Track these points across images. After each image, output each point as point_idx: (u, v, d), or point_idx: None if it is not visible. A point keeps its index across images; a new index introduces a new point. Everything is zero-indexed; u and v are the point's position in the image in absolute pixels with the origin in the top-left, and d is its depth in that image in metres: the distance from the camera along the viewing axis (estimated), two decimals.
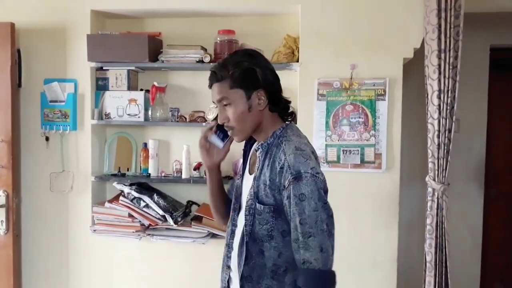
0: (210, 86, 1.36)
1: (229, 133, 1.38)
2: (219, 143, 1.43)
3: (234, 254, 1.37)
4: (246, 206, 1.33)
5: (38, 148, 2.64)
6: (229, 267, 1.39)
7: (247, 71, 1.30)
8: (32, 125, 2.64)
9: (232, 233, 1.40)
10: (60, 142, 2.61)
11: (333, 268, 1.26)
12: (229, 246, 1.40)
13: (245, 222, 1.32)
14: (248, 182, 1.38)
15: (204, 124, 2.50)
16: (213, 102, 1.38)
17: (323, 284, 1.24)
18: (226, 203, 1.55)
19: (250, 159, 1.45)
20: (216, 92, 1.34)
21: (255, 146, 1.40)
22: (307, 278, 1.23)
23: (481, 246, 3.22)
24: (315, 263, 1.21)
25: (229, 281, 1.39)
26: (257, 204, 1.30)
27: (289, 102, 1.41)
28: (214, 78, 1.34)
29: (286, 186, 1.23)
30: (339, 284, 2.53)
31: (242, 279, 1.31)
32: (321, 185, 1.24)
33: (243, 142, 1.47)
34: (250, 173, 1.40)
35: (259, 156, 1.35)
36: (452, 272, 2.29)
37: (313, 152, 1.33)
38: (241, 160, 1.49)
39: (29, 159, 2.66)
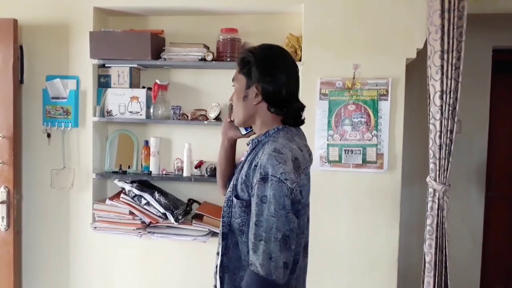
0: None
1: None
2: (241, 129, 1.48)
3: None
4: (225, 198, 1.36)
5: (40, 144, 2.64)
6: (218, 254, 1.41)
7: (245, 62, 1.35)
8: (33, 122, 2.64)
9: (223, 222, 1.42)
10: (62, 139, 2.61)
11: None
12: (219, 241, 1.43)
13: (223, 213, 1.35)
14: None
15: (205, 122, 2.51)
16: None
17: None
18: (230, 176, 1.55)
19: None
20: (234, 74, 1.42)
21: (247, 141, 1.43)
22: (248, 280, 1.20)
23: (482, 247, 3.22)
24: (260, 269, 1.17)
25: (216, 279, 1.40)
26: (233, 198, 1.32)
27: (301, 109, 1.38)
28: (236, 61, 1.43)
29: (254, 185, 1.24)
30: (339, 283, 2.54)
31: (222, 268, 1.34)
32: (287, 192, 1.19)
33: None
34: None
35: (247, 151, 1.39)
36: (452, 273, 2.29)
37: (297, 158, 1.26)
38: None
39: (31, 155, 2.66)
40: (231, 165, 1.58)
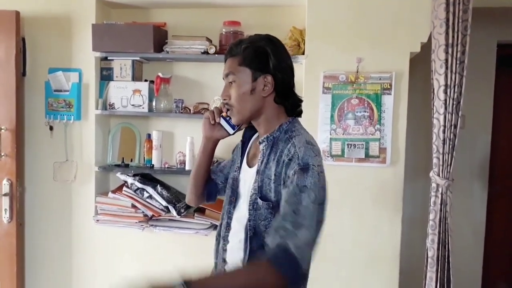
0: (225, 61, 1.34)
1: (228, 112, 1.35)
2: (229, 128, 1.40)
3: (231, 247, 1.35)
4: (250, 201, 1.30)
5: (42, 137, 2.64)
6: (224, 260, 1.37)
7: (258, 52, 1.28)
8: (36, 114, 2.63)
9: (228, 226, 1.37)
10: (64, 132, 2.61)
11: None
12: (224, 239, 1.38)
13: (249, 217, 1.29)
14: (247, 175, 1.35)
15: None
16: (223, 79, 1.35)
17: (291, 269, 1.10)
18: (206, 184, 1.52)
19: (249, 151, 1.42)
20: (226, 67, 1.32)
21: (260, 139, 1.35)
22: (279, 254, 1.11)
23: (484, 242, 3.22)
24: (294, 249, 1.10)
25: None
26: (259, 199, 1.27)
27: (301, 100, 1.36)
28: (229, 53, 1.32)
29: (290, 176, 1.19)
30: (340, 277, 2.53)
31: None
32: (324, 184, 1.22)
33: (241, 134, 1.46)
34: (250, 166, 1.37)
35: (263, 149, 1.31)
36: (454, 268, 2.28)
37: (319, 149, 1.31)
38: (239, 151, 1.45)
39: (33, 148, 2.66)
40: (209, 169, 1.53)
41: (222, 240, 1.39)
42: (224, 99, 1.34)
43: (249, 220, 1.29)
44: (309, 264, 1.20)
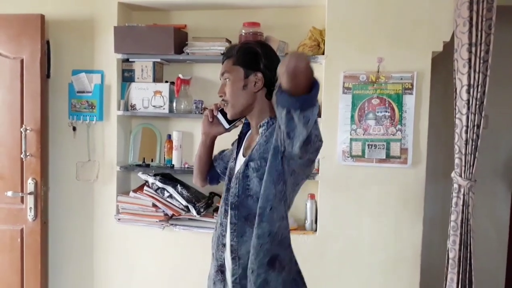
0: (223, 63, 1.48)
1: (225, 108, 1.48)
2: (225, 123, 1.53)
3: (229, 232, 1.42)
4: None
5: (66, 137, 2.69)
6: (224, 245, 1.44)
7: (250, 52, 1.43)
8: (60, 115, 2.69)
9: (225, 212, 1.45)
10: (87, 132, 2.66)
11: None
12: (222, 225, 1.46)
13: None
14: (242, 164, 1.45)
15: None
16: (220, 79, 1.49)
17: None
18: (210, 169, 1.72)
19: (244, 143, 1.53)
20: (222, 67, 1.48)
21: (260, 123, 1.45)
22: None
23: (508, 245, 3.16)
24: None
25: (224, 258, 1.45)
26: (249, 163, 1.40)
27: None
28: (225, 55, 1.48)
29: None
30: (361, 279, 2.51)
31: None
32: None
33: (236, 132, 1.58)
34: (244, 156, 1.47)
35: (261, 132, 1.41)
36: (477, 269, 2.25)
37: None
38: (236, 144, 1.57)
39: (57, 148, 2.72)
40: (210, 160, 1.71)
41: (220, 226, 1.47)
42: (221, 96, 1.47)
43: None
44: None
